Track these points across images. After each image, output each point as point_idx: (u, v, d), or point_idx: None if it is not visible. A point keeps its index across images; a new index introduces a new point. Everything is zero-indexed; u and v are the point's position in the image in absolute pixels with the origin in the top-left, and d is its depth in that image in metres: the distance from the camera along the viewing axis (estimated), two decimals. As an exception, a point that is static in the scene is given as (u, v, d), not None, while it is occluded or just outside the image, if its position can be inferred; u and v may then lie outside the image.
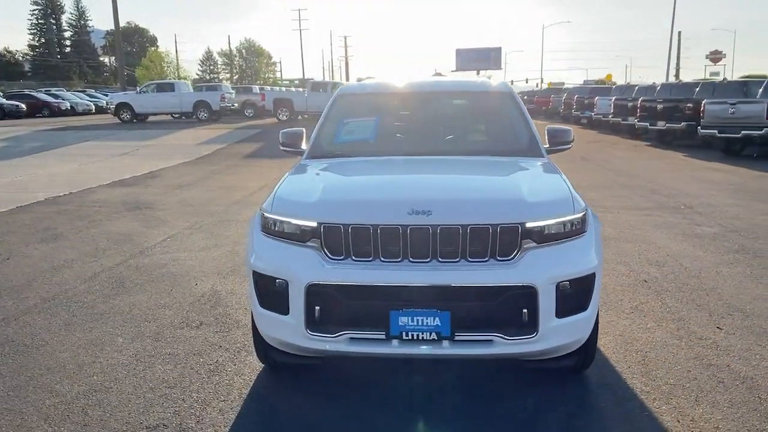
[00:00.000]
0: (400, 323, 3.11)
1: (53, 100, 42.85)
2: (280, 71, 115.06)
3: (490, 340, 3.14)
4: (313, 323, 3.20)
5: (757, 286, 5.51)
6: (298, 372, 3.88)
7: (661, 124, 19.83)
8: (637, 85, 26.07)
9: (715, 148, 17.50)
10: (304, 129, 4.94)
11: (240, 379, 3.83)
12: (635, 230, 7.75)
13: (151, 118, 34.25)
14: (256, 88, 43.68)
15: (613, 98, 25.19)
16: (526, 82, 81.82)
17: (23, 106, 39.11)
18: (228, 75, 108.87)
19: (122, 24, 49.15)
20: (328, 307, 3.18)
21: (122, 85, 46.79)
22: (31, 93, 44.90)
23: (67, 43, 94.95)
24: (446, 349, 3.15)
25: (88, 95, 50.60)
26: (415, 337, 3.12)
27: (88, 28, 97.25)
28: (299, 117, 34.07)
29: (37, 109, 40.58)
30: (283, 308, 3.27)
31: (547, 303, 3.12)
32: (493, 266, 3.15)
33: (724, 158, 15.94)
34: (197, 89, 36.09)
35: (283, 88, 52.39)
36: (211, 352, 4.22)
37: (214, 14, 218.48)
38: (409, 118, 5.09)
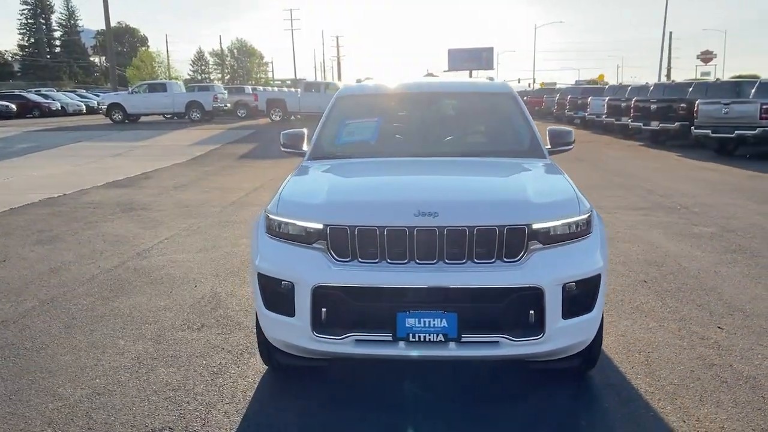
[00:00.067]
0: (407, 325, 3.11)
1: (44, 100, 42.57)
2: (272, 71, 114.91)
3: (497, 342, 3.14)
4: (319, 325, 3.19)
5: (756, 285, 5.54)
6: (302, 374, 3.87)
7: (654, 124, 19.93)
8: (629, 86, 26.16)
9: (709, 148, 17.60)
10: (305, 130, 4.92)
11: (244, 381, 3.81)
12: (632, 230, 7.79)
13: (143, 119, 34.11)
14: (248, 89, 43.53)
15: (607, 98, 25.31)
16: (518, 82, 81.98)
17: (13, 106, 38.84)
18: (219, 75, 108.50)
19: (113, 24, 48.81)
20: (335, 309, 3.17)
21: (113, 85, 46.55)
22: (22, 93, 44.60)
23: (57, 43, 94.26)
24: (453, 350, 3.15)
25: (78, 95, 50.27)
26: (422, 339, 3.11)
27: (78, 27, 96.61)
28: (292, 117, 34.01)
29: (27, 110, 40.29)
30: (288, 310, 3.26)
31: (553, 304, 3.13)
32: (500, 267, 3.15)
33: (718, 158, 16.04)
34: (189, 89, 35.93)
35: (276, 89, 52.20)
36: (213, 355, 4.20)
37: (205, 14, 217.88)
38: (410, 119, 5.08)
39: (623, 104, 22.86)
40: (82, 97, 49.70)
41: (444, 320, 3.10)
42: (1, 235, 7.89)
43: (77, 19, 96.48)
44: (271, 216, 3.47)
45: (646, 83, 25.74)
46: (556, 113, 33.83)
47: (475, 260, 3.16)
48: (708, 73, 67.60)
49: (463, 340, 3.12)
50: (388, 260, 3.17)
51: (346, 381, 3.85)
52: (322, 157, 4.51)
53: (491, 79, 5.81)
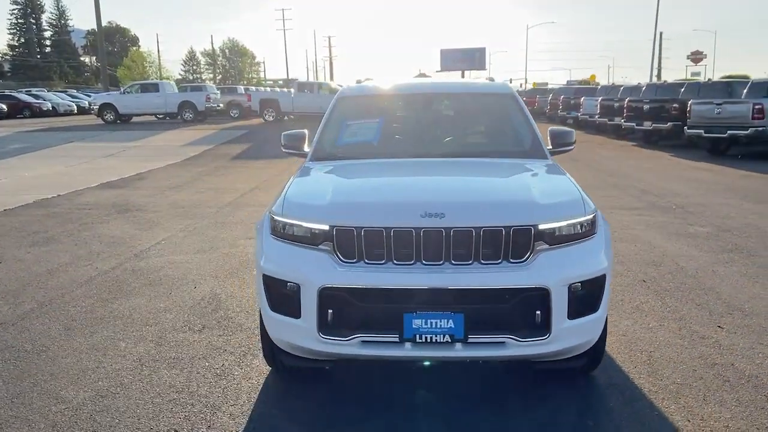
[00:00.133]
0: (413, 326, 3.11)
1: (34, 100, 42.24)
2: (264, 71, 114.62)
3: (503, 342, 3.14)
4: (325, 327, 3.18)
5: (754, 284, 5.58)
6: (305, 375, 3.86)
7: (647, 125, 20.03)
8: (622, 86, 26.28)
9: (701, 148, 17.71)
10: (306, 131, 4.90)
11: (248, 383, 3.80)
12: (629, 230, 7.82)
13: (135, 119, 33.91)
14: (240, 89, 43.41)
15: (599, 99, 25.39)
16: (510, 82, 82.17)
17: (4, 107, 38.51)
18: (211, 75, 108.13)
19: (104, 23, 48.54)
20: (341, 310, 3.17)
21: (105, 85, 46.23)
22: (12, 93, 44.25)
23: (47, 42, 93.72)
24: (459, 351, 3.15)
25: (69, 96, 49.95)
26: (428, 340, 3.11)
27: (68, 27, 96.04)
28: (285, 118, 33.91)
29: (18, 110, 39.96)
30: (294, 312, 3.25)
31: (559, 304, 3.13)
32: (506, 268, 3.16)
33: (710, 158, 16.14)
34: (182, 90, 35.75)
35: (268, 89, 52.07)
36: (216, 356, 4.18)
37: (196, 14, 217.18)
38: (411, 120, 5.08)
39: (616, 104, 22.96)
40: (72, 97, 49.35)
41: (451, 321, 3.10)
42: (-4, 236, 7.84)
43: (67, 19, 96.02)
44: (276, 217, 3.46)
45: (639, 83, 25.87)
46: (548, 113, 33.92)
47: (482, 261, 3.16)
48: (698, 74, 68.07)
49: (470, 340, 3.12)
50: (395, 261, 3.16)
51: (350, 382, 3.84)
52: (325, 158, 4.50)
53: (492, 79, 5.82)
